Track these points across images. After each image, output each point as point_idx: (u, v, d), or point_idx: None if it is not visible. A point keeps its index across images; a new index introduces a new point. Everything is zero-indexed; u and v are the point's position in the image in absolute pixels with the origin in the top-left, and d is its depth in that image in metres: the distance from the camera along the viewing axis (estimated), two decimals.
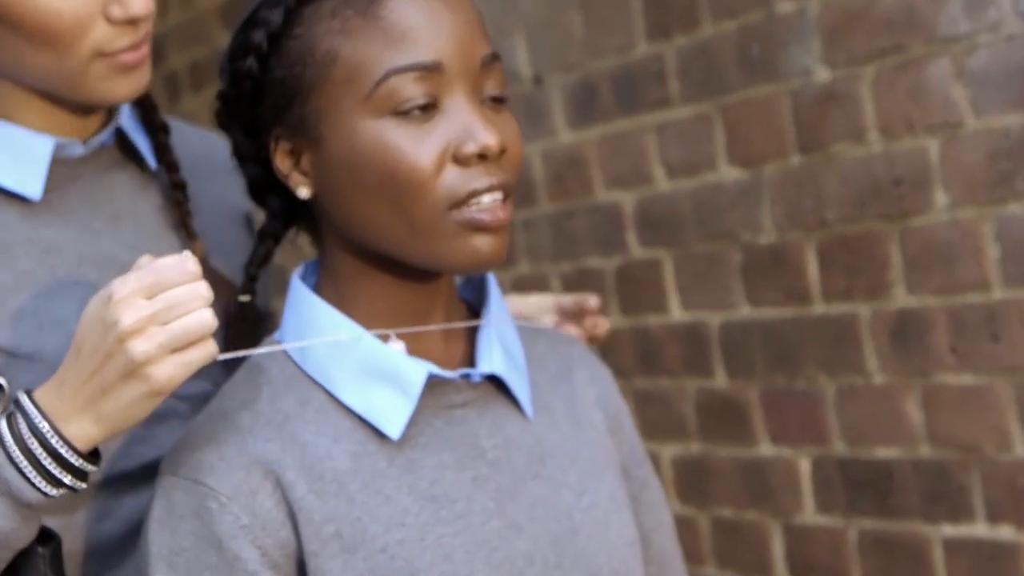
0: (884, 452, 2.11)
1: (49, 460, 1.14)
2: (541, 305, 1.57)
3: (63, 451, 1.13)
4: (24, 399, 1.15)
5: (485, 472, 1.23)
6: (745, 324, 2.31)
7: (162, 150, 1.45)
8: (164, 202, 1.45)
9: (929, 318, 2.01)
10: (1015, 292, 1.89)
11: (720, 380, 2.37)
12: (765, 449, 2.31)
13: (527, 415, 1.28)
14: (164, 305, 1.09)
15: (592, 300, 1.54)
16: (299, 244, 1.36)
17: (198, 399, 1.37)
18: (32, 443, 1.13)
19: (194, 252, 1.39)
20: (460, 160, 1.17)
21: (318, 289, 1.27)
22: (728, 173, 2.29)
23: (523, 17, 2.63)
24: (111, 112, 1.42)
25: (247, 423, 1.20)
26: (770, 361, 2.27)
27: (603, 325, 1.53)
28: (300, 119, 1.20)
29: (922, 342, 2.02)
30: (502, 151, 1.18)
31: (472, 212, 1.17)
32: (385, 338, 1.23)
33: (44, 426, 1.13)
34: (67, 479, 1.15)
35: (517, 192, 1.24)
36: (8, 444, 1.14)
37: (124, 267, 1.29)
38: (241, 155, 1.29)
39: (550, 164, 2.65)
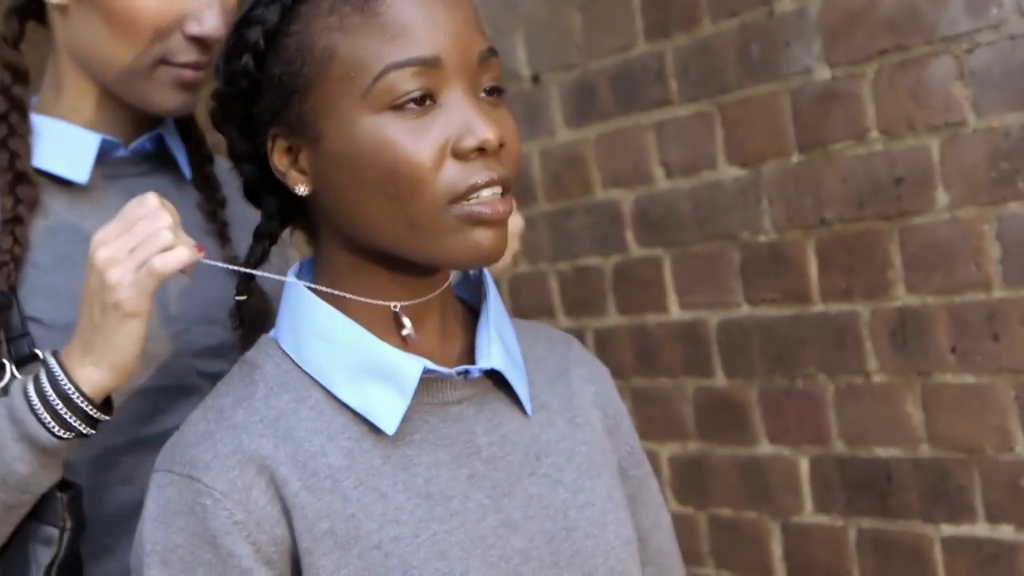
0: (884, 452, 2.10)
1: (60, 404, 1.29)
2: None
3: (73, 395, 1.29)
4: (48, 354, 1.31)
5: (481, 469, 1.23)
6: (744, 323, 2.30)
7: (199, 163, 1.57)
8: (198, 209, 1.54)
9: (929, 318, 2.00)
10: (1016, 292, 1.89)
11: (719, 379, 2.37)
12: (764, 449, 2.31)
13: (525, 412, 1.28)
14: (131, 236, 1.26)
15: None
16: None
17: (220, 377, 1.39)
18: (47, 389, 1.29)
19: (224, 256, 1.51)
20: (459, 155, 1.17)
21: (314, 287, 1.26)
22: (728, 172, 2.29)
23: (522, 16, 2.63)
24: (154, 122, 1.53)
25: (241, 419, 1.20)
26: (769, 361, 2.26)
27: None
28: (298, 116, 1.20)
29: (922, 342, 2.02)
30: (501, 145, 1.18)
31: (472, 206, 1.17)
32: (393, 318, 1.23)
33: (58, 372, 1.29)
34: (76, 422, 1.30)
35: (515, 191, 1.24)
36: (31, 395, 1.30)
37: None
38: (237, 155, 1.29)
39: (549, 163, 2.64)
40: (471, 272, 1.34)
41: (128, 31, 1.41)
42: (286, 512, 1.17)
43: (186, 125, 1.57)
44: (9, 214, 1.43)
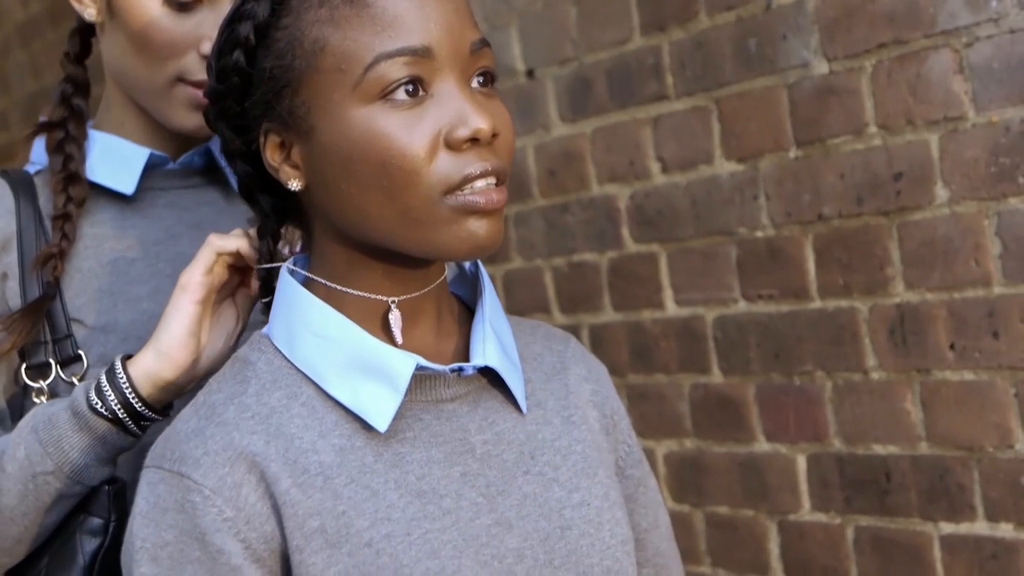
0: (882, 449, 2.10)
1: (122, 411, 1.37)
2: None
3: (130, 397, 1.37)
4: (116, 360, 1.39)
5: (474, 467, 1.22)
6: (741, 320, 2.29)
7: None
8: (248, 223, 1.55)
9: (928, 314, 1.99)
10: (1016, 288, 1.88)
11: (716, 377, 2.36)
12: (761, 446, 2.30)
13: (520, 410, 1.28)
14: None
15: None
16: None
17: None
18: (110, 395, 1.37)
19: None
20: (452, 145, 1.16)
21: (308, 283, 1.26)
22: (724, 167, 2.27)
23: (516, 10, 2.61)
24: (205, 137, 1.58)
25: (232, 416, 1.19)
26: (766, 357, 2.26)
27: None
28: (290, 110, 1.20)
29: (921, 338, 2.01)
30: (494, 136, 1.18)
31: (466, 196, 1.17)
32: (385, 311, 1.23)
33: (119, 372, 1.37)
34: (131, 424, 1.38)
35: (510, 186, 1.23)
36: (91, 398, 1.38)
37: None
38: (231, 152, 1.29)
39: (544, 158, 2.63)
40: (467, 268, 1.34)
41: (145, 49, 1.49)
42: (276, 509, 1.16)
43: None
44: (60, 211, 1.51)
